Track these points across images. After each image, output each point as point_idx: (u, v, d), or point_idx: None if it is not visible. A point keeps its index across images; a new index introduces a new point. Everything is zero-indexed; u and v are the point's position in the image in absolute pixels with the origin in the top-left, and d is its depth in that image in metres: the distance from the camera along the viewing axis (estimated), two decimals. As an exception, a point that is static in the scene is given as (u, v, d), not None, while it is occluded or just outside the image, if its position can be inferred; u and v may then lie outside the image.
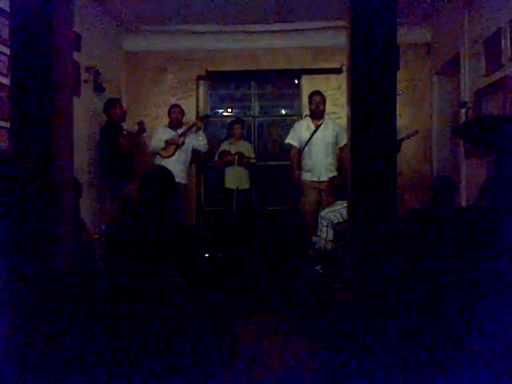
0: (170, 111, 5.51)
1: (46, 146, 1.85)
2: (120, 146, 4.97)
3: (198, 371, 2.15)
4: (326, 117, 5.32)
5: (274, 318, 3.80)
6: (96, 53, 5.29)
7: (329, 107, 5.72)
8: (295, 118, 6.09)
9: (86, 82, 5.10)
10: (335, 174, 5.12)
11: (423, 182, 5.69)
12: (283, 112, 6.60)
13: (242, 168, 5.53)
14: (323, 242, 3.80)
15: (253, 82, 6.41)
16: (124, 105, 5.55)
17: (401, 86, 5.29)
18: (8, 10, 2.55)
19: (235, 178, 5.49)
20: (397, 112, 1.82)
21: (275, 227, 5.95)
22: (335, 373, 2.32)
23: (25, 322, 1.80)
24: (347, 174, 1.91)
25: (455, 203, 3.48)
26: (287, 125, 6.09)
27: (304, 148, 5.18)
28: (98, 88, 5.35)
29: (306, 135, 5.17)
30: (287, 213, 5.87)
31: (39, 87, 1.85)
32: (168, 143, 5.33)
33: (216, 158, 5.71)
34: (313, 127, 5.18)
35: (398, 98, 1.80)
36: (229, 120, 6.32)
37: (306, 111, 5.51)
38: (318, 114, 5.19)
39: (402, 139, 5.02)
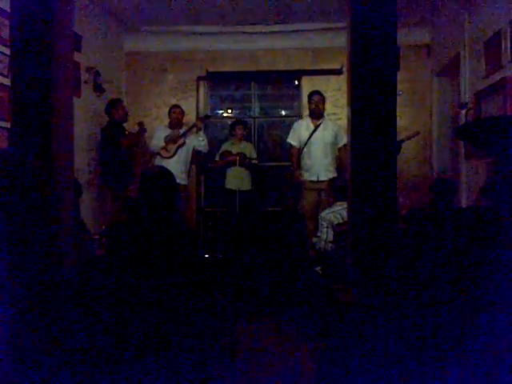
0: (170, 112, 5.51)
1: (46, 147, 1.85)
2: (122, 147, 4.97)
3: (198, 371, 2.15)
4: (325, 117, 5.32)
5: (275, 319, 3.80)
6: (96, 53, 5.30)
7: (329, 108, 5.73)
8: (295, 118, 6.09)
9: (86, 82, 5.11)
10: (334, 174, 5.12)
11: (423, 183, 5.69)
12: (283, 113, 6.60)
13: (244, 169, 5.53)
14: (323, 242, 3.81)
15: (253, 83, 6.41)
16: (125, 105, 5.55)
17: (401, 87, 5.26)
18: (8, 10, 2.55)
19: (236, 179, 5.48)
20: (397, 113, 1.82)
21: (275, 228, 5.95)
22: (335, 373, 2.32)
23: (25, 322, 1.80)
24: (347, 174, 1.91)
25: (455, 204, 3.48)
26: (287, 126, 6.09)
27: (303, 148, 5.19)
28: (98, 88, 5.36)
29: (306, 135, 5.18)
30: (287, 213, 5.88)
31: (39, 87, 1.85)
32: (168, 140, 5.33)
33: (218, 159, 5.70)
34: (312, 127, 5.19)
35: (398, 98, 1.80)
36: (229, 121, 6.33)
37: (306, 112, 5.52)
38: (317, 114, 5.20)
39: (402, 140, 5.02)
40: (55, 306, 1.85)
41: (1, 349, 1.82)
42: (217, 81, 6.41)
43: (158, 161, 5.35)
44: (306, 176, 5.18)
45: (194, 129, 5.54)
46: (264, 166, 6.20)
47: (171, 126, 5.48)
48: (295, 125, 5.41)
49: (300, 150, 5.23)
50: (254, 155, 5.68)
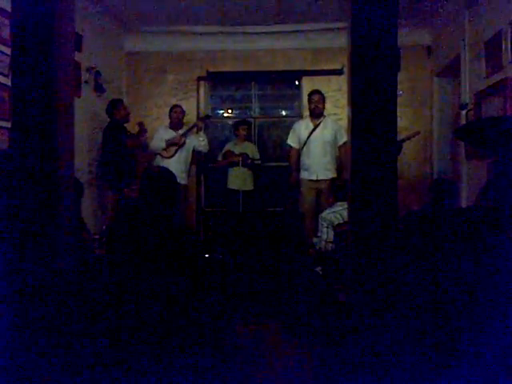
0: (170, 111, 5.51)
1: (46, 146, 1.85)
2: (125, 147, 4.95)
3: (198, 372, 2.15)
4: (326, 116, 5.32)
5: (275, 319, 3.79)
6: (97, 53, 5.30)
7: (329, 108, 5.73)
8: (295, 119, 6.09)
9: (86, 82, 5.10)
10: (334, 174, 5.13)
11: (424, 183, 5.70)
12: (283, 113, 6.60)
13: (246, 169, 5.53)
14: (323, 243, 3.81)
15: (253, 83, 6.41)
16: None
17: (401, 87, 5.29)
18: (9, 9, 2.56)
19: (239, 179, 5.49)
20: (397, 113, 1.82)
21: (276, 228, 5.95)
22: (335, 373, 2.32)
23: (24, 322, 1.80)
24: (347, 174, 1.91)
25: (455, 204, 3.48)
26: (287, 126, 6.09)
27: (303, 147, 5.19)
28: (99, 88, 5.36)
29: (305, 134, 5.18)
30: (286, 213, 5.88)
31: (40, 87, 1.85)
32: (169, 143, 5.33)
33: (220, 159, 5.70)
34: (311, 126, 5.19)
35: (398, 99, 1.80)
36: (230, 121, 6.33)
37: (307, 112, 5.52)
38: (317, 113, 5.20)
39: (403, 140, 5.02)
40: (55, 306, 1.85)
41: (1, 349, 1.82)
42: (217, 81, 6.41)
43: (158, 161, 5.36)
44: (305, 175, 5.18)
45: (195, 129, 5.54)
46: (264, 166, 6.20)
47: (172, 126, 5.49)
48: (295, 125, 5.42)
49: (300, 150, 5.23)
50: (257, 156, 5.69)
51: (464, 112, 4.67)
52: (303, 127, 5.25)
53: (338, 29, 5.65)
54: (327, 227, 3.80)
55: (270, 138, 6.46)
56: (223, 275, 4.31)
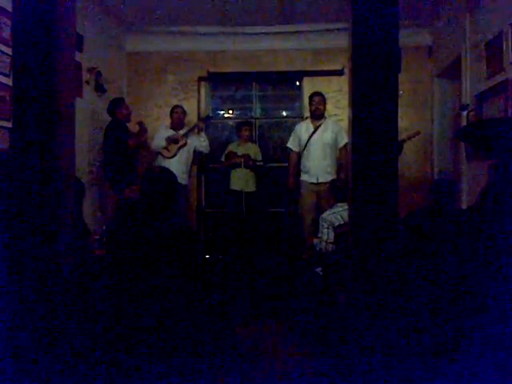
0: (171, 112, 5.51)
1: (47, 146, 1.85)
2: (127, 146, 4.92)
3: (198, 372, 2.15)
4: (326, 118, 5.32)
5: (275, 320, 3.79)
6: (98, 53, 5.29)
7: (330, 109, 5.73)
8: (296, 119, 6.08)
9: (87, 82, 5.10)
10: (334, 176, 5.11)
11: (424, 183, 5.69)
12: (284, 114, 6.59)
13: (249, 170, 5.53)
14: (324, 244, 3.81)
15: (254, 84, 6.41)
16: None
17: (402, 88, 5.29)
18: (10, 9, 2.56)
19: (241, 180, 5.49)
20: (398, 114, 1.82)
21: (278, 229, 5.96)
22: (335, 374, 2.32)
23: (24, 322, 1.80)
24: (348, 175, 1.91)
25: (456, 205, 3.48)
26: (288, 127, 6.09)
27: (303, 150, 5.19)
28: (100, 89, 5.35)
29: (305, 137, 5.18)
30: (288, 214, 5.88)
31: (41, 87, 1.85)
32: (169, 140, 5.33)
33: (223, 159, 5.70)
34: (312, 128, 5.19)
35: (399, 100, 1.80)
36: (231, 122, 6.33)
37: (307, 113, 5.52)
38: (317, 115, 5.20)
39: (404, 140, 5.02)
40: (55, 306, 1.85)
41: (0, 348, 1.82)
42: (218, 81, 6.41)
43: (159, 161, 5.36)
44: (306, 178, 5.17)
45: (196, 129, 5.54)
46: (265, 166, 6.20)
47: (173, 126, 5.49)
48: (296, 127, 5.41)
49: (300, 153, 5.23)
50: (259, 157, 5.69)
51: (465, 113, 4.67)
52: (303, 130, 5.25)
53: (339, 29, 5.65)
54: (328, 228, 3.80)
55: (271, 138, 6.45)
56: (223, 275, 4.31)
